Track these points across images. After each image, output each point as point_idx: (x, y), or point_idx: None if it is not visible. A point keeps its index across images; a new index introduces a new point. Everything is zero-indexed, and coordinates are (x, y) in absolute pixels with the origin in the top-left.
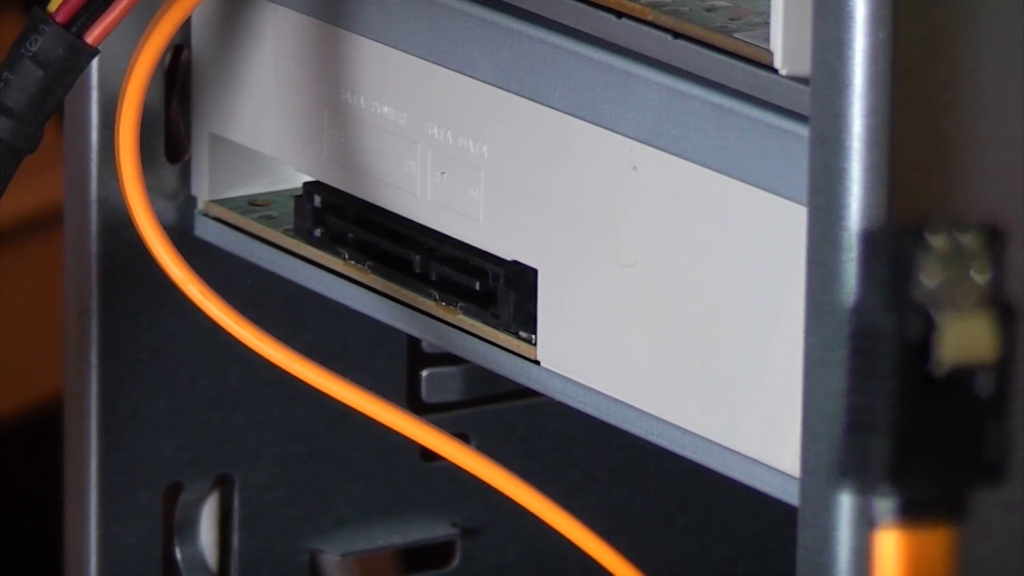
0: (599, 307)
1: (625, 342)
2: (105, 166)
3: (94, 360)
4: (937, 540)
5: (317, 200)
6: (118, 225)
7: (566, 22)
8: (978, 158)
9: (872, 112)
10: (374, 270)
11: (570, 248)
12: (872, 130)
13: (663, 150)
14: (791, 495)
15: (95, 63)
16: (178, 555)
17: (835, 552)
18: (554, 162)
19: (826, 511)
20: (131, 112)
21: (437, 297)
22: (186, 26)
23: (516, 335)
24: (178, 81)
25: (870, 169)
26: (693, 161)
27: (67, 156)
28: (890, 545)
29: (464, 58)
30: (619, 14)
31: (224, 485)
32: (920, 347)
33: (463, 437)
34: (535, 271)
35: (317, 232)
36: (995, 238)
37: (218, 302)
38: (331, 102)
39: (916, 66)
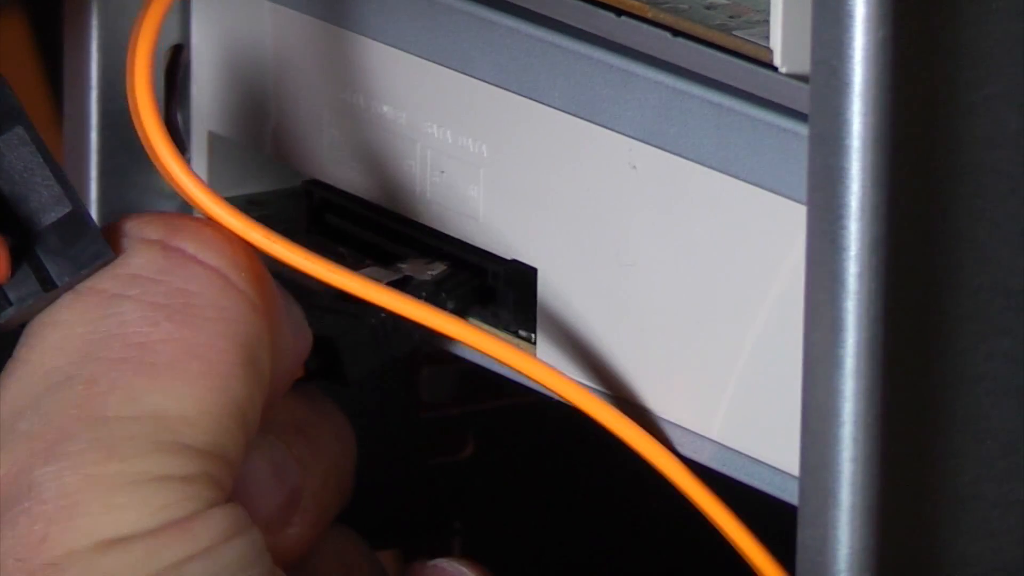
0: (599, 307)
1: (625, 341)
2: (105, 166)
3: None
4: None
5: (317, 199)
6: None
7: (565, 21)
8: (977, 156)
9: (872, 111)
10: None
11: (570, 247)
12: (872, 129)
13: (663, 149)
14: (791, 495)
15: (95, 63)
16: None
17: (835, 552)
18: (554, 161)
19: (826, 511)
20: (149, 34)
21: None
22: (185, 25)
23: (516, 334)
24: (177, 80)
25: (870, 169)
26: (693, 160)
27: (67, 156)
28: None
29: (464, 57)
30: (618, 12)
31: None
32: None
33: (463, 437)
34: (535, 270)
35: (317, 232)
36: None
37: (222, 204)
38: (331, 102)
39: (916, 66)
